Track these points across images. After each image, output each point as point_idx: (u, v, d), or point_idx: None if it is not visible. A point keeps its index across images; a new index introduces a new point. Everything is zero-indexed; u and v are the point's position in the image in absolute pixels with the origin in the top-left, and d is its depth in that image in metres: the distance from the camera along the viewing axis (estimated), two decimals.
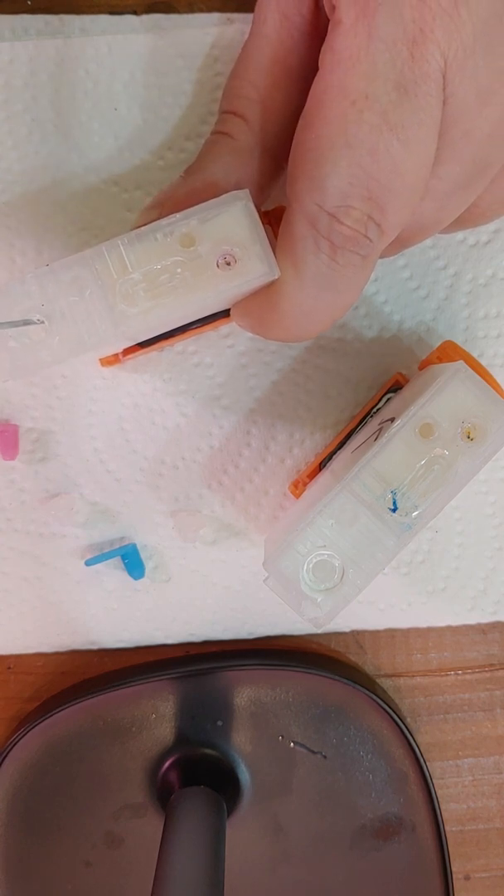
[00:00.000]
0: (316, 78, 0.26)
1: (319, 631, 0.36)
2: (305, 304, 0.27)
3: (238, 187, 0.28)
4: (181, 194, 0.28)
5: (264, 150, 0.29)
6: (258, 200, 0.29)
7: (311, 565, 0.28)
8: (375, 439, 0.28)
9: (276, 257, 0.27)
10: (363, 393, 0.35)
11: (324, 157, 0.25)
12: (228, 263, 0.28)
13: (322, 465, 0.34)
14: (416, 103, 0.25)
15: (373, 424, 0.31)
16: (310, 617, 0.28)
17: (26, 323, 0.27)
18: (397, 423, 0.28)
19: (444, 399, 0.28)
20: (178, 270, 0.28)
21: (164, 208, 0.28)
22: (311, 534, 0.28)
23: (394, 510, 0.28)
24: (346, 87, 0.25)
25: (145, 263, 0.28)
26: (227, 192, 0.27)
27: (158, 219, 0.27)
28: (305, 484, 0.34)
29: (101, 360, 0.33)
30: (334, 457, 0.33)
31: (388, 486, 0.28)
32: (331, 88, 0.25)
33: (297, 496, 0.34)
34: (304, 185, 0.26)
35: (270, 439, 0.35)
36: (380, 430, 0.29)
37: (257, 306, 0.29)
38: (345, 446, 0.33)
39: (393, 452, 0.28)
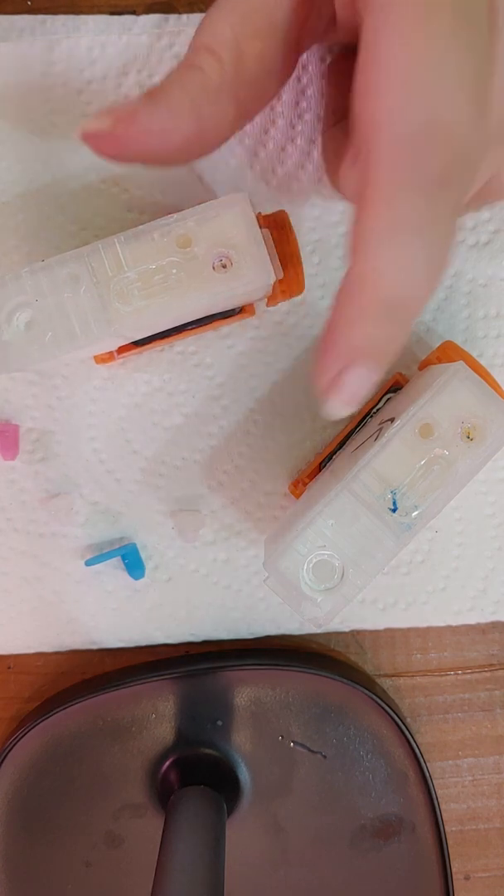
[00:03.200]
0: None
1: (319, 631, 0.36)
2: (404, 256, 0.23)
3: (200, 127, 0.26)
4: (144, 120, 0.26)
5: (231, 96, 0.27)
6: (211, 150, 0.28)
7: (311, 565, 0.28)
8: (375, 439, 0.28)
9: (358, 209, 0.24)
10: None
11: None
12: (224, 266, 0.28)
13: (322, 466, 0.34)
14: None
15: (373, 424, 0.31)
16: (310, 617, 0.28)
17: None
18: (397, 423, 0.28)
19: (443, 399, 0.28)
20: (174, 271, 0.28)
21: (118, 123, 0.26)
22: (311, 534, 0.28)
23: (394, 510, 0.28)
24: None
25: (141, 262, 0.28)
26: (190, 130, 0.26)
27: (111, 127, 0.26)
28: (305, 484, 0.34)
29: (95, 357, 0.33)
30: (334, 457, 0.33)
31: (388, 487, 0.28)
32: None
33: (297, 496, 0.34)
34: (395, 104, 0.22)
35: (270, 439, 0.35)
36: (380, 430, 0.29)
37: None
38: (345, 446, 0.33)
39: (393, 453, 0.28)
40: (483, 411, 0.28)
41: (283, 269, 0.31)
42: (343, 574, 0.28)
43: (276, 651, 0.36)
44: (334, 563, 0.28)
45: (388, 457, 0.28)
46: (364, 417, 0.34)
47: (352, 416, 0.35)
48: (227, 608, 0.36)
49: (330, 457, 0.34)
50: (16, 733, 0.35)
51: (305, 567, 0.28)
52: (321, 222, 0.34)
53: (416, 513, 0.28)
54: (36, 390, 0.35)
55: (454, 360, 0.30)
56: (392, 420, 0.28)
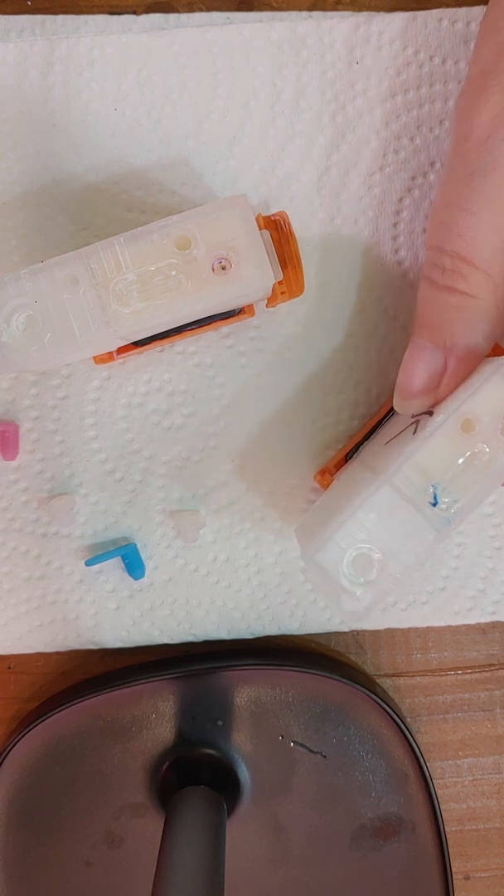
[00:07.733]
0: None
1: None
2: None
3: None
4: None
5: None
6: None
7: (350, 559, 0.27)
8: (414, 433, 0.28)
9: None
10: (363, 394, 0.35)
11: None
12: (224, 268, 0.28)
13: (348, 457, 0.33)
14: None
15: (404, 416, 0.31)
16: (349, 610, 0.27)
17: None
18: (439, 417, 0.28)
19: (485, 395, 0.28)
20: (173, 273, 0.28)
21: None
22: (351, 527, 0.27)
23: (434, 504, 0.28)
24: None
25: (140, 264, 0.28)
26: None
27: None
28: (332, 474, 0.33)
29: (95, 357, 0.33)
30: (362, 447, 0.33)
31: (430, 481, 0.28)
32: None
33: (325, 486, 0.34)
34: None
35: (270, 440, 0.35)
36: (416, 423, 0.29)
37: None
38: (373, 436, 0.33)
39: (435, 447, 0.28)
40: None
41: (283, 271, 0.31)
42: (382, 568, 0.27)
43: (276, 651, 0.36)
44: (374, 556, 0.27)
45: (431, 451, 0.28)
46: (392, 409, 0.33)
47: (351, 417, 0.35)
48: (227, 608, 0.36)
49: (357, 447, 0.33)
50: (16, 733, 0.35)
51: (345, 560, 0.27)
52: (320, 223, 0.34)
53: (455, 507, 0.28)
54: (36, 390, 0.35)
55: (496, 356, 0.30)
56: (430, 413, 0.28)
